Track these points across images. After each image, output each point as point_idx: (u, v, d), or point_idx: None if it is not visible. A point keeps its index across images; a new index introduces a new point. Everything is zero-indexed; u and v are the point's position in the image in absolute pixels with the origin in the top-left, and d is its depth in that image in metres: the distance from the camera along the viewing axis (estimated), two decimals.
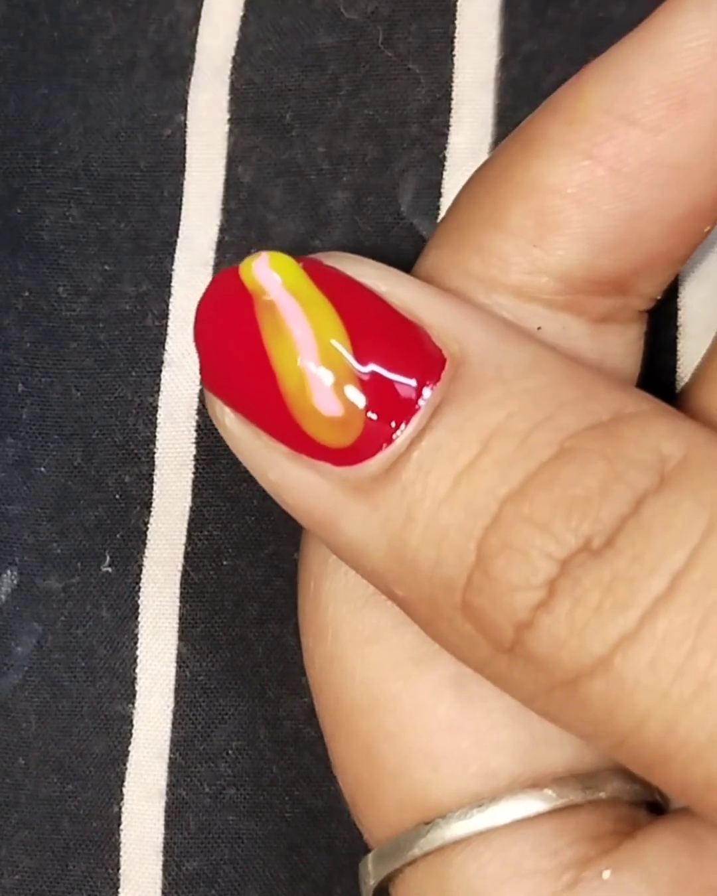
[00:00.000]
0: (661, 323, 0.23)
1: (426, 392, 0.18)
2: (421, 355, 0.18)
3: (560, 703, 0.17)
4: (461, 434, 0.18)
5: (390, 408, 0.18)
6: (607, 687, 0.17)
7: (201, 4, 0.25)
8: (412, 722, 0.20)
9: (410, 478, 0.18)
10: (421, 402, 0.18)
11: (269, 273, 0.19)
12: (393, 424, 0.18)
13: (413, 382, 0.18)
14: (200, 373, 0.19)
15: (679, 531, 0.16)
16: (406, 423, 0.18)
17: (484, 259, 0.19)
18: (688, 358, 0.23)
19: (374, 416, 0.18)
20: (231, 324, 0.19)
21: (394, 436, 0.18)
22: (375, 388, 0.18)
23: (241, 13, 0.25)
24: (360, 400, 0.18)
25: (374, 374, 0.18)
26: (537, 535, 0.17)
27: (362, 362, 0.18)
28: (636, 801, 0.20)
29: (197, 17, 0.25)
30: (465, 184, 0.20)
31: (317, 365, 0.18)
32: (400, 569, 0.18)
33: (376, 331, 0.18)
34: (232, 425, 0.19)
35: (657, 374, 0.22)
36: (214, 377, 0.19)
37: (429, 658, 0.20)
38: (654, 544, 0.16)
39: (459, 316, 0.19)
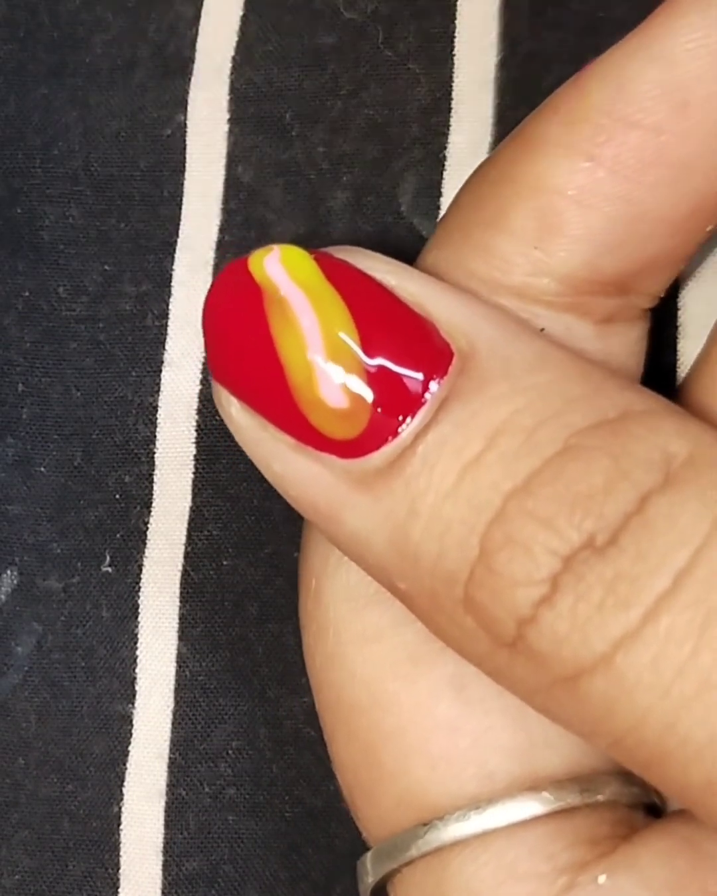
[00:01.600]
0: (660, 323, 0.23)
1: (433, 386, 0.18)
2: (429, 349, 0.18)
3: (560, 700, 0.17)
4: (467, 429, 0.18)
5: (396, 401, 0.18)
6: (607, 684, 0.16)
7: (201, 4, 0.25)
8: (411, 722, 0.20)
9: (414, 471, 0.18)
10: (427, 396, 0.18)
11: (278, 266, 0.19)
12: (399, 418, 0.18)
13: (420, 376, 0.18)
14: (208, 362, 0.19)
15: (683, 530, 0.16)
16: (412, 417, 0.18)
17: (486, 260, 0.19)
18: (687, 358, 0.23)
19: (380, 410, 0.18)
20: (239, 314, 0.19)
21: (399, 429, 0.18)
22: (382, 382, 0.18)
23: (240, 13, 0.25)
24: (366, 393, 0.18)
25: (381, 367, 0.18)
26: (541, 530, 0.17)
27: (370, 355, 0.18)
28: (634, 804, 0.20)
29: (197, 17, 0.25)
30: (465, 183, 0.20)
31: (324, 357, 0.18)
32: (402, 562, 0.18)
33: (385, 324, 0.18)
34: (238, 416, 0.19)
35: (656, 374, 0.22)
36: (221, 367, 0.19)
37: (429, 658, 0.20)
38: (657, 542, 0.16)
39: (468, 311, 0.19)
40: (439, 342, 0.18)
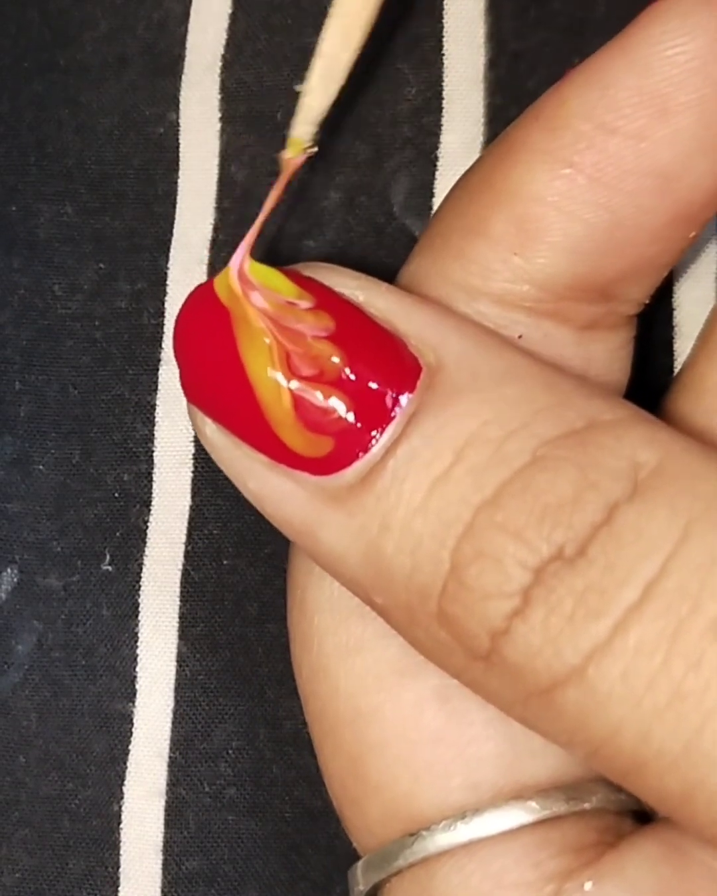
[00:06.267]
0: (656, 323, 0.22)
1: (402, 401, 0.18)
2: (397, 365, 0.18)
3: (537, 711, 0.17)
4: (435, 442, 0.18)
5: (365, 417, 0.18)
6: (581, 696, 0.16)
7: (190, 1, 0.25)
8: (395, 733, 0.20)
9: (385, 486, 0.18)
10: (396, 412, 0.18)
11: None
12: (369, 434, 0.18)
13: (389, 392, 0.18)
14: (181, 384, 0.19)
15: (652, 540, 0.16)
16: (381, 433, 0.18)
17: (465, 266, 0.19)
18: (683, 358, 0.23)
19: (349, 426, 0.18)
20: (209, 336, 0.19)
21: (370, 445, 0.18)
22: (351, 398, 0.18)
23: (229, 11, 0.25)
24: (335, 410, 0.18)
25: (350, 383, 0.18)
26: (510, 543, 0.17)
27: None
28: (621, 811, 0.20)
29: (186, 15, 0.25)
30: (449, 190, 0.20)
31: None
32: (377, 577, 0.18)
33: (353, 341, 0.18)
34: (213, 435, 0.19)
35: (653, 375, 0.22)
36: (194, 389, 0.19)
37: (413, 670, 0.20)
38: (626, 553, 0.16)
39: (436, 324, 0.19)
40: (408, 357, 0.18)
